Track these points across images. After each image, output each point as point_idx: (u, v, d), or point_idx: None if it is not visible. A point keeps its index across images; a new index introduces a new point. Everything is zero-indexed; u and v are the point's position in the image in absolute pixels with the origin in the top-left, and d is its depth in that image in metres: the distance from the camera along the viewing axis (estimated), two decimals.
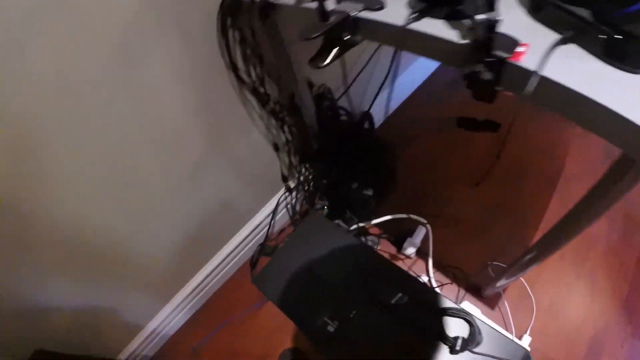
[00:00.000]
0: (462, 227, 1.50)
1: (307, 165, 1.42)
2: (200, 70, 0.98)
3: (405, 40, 0.60)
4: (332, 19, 0.61)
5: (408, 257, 1.45)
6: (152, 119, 0.93)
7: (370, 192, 1.26)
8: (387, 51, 0.89)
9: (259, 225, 1.49)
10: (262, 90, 1.13)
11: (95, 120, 0.82)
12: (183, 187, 1.13)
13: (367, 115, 1.46)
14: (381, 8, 0.64)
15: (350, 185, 1.23)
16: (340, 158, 1.31)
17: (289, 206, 1.53)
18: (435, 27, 0.60)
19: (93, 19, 0.72)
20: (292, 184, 1.49)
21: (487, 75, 0.53)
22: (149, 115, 0.91)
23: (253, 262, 1.52)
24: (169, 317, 1.37)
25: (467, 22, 0.58)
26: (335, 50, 0.62)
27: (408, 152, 1.60)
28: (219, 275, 1.48)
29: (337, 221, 1.37)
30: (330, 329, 0.87)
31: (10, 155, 0.73)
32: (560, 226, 0.78)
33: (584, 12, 0.57)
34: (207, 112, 1.07)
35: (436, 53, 0.61)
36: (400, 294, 0.87)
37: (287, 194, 1.49)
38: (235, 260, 1.50)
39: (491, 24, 0.50)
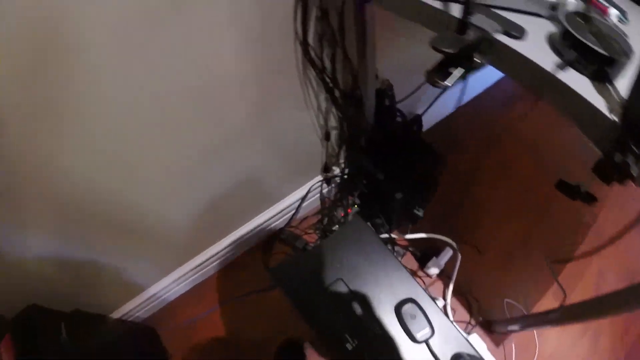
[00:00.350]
0: (488, 256, 1.46)
1: (352, 160, 1.34)
2: (267, 33, 0.89)
3: (545, 89, 0.51)
4: (471, 34, 0.52)
5: (429, 276, 1.40)
6: (200, 68, 0.83)
7: (420, 212, 1.18)
8: None
9: (282, 210, 1.42)
10: (329, 75, 1.03)
11: (138, 53, 0.72)
12: (217, 152, 1.05)
13: (417, 119, 1.37)
14: (521, 37, 0.55)
15: (394, 194, 1.15)
16: (386, 161, 1.22)
17: (320, 196, 1.46)
18: (581, 84, 0.52)
19: None
20: (330, 175, 1.41)
21: (635, 171, 0.44)
22: (197, 62, 0.81)
23: (268, 246, 1.45)
24: (172, 284, 1.32)
25: (615, 92, 0.49)
26: (461, 71, 0.53)
27: (451, 164, 1.52)
28: (230, 253, 1.41)
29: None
30: (349, 346, 0.83)
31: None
32: (593, 306, 0.80)
33: None
34: (263, 79, 0.98)
35: (574, 114, 0.52)
36: (427, 329, 0.83)
37: (321, 183, 1.41)
38: (249, 239, 1.42)
39: None
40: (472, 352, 0.81)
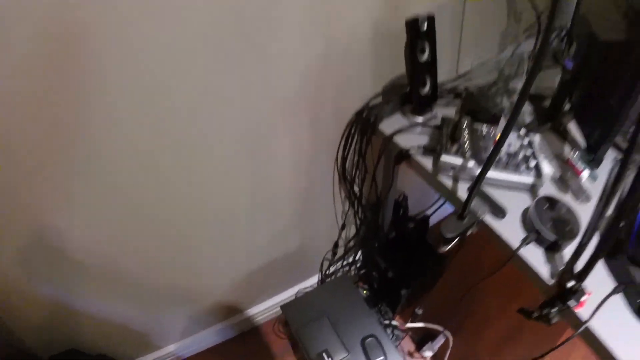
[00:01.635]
0: (479, 345, 1.70)
1: (367, 257, 1.62)
2: (314, 151, 1.24)
3: (510, 260, 0.81)
4: (466, 220, 0.82)
5: (423, 358, 1.63)
6: (266, 181, 1.20)
7: (420, 311, 1.45)
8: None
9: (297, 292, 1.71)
10: (357, 188, 1.36)
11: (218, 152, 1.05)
12: (258, 231, 1.38)
13: (425, 220, 1.66)
14: (503, 217, 0.85)
15: (400, 290, 1.43)
16: (396, 260, 1.50)
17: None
18: (536, 256, 0.83)
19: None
20: (338, 265, 1.69)
21: (556, 318, 0.73)
22: (263, 175, 1.18)
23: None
24: (190, 345, 1.58)
25: (559, 261, 0.79)
26: (456, 241, 0.83)
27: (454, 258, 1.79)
28: (253, 321, 1.68)
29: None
30: None
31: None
32: None
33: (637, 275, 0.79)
34: (307, 184, 1.33)
35: (527, 274, 0.81)
36: (382, 357, 1.07)
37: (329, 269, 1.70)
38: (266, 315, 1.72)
39: (576, 290, 0.70)
40: None
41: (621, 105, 0.86)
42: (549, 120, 1.16)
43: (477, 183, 0.77)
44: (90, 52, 0.72)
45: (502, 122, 1.00)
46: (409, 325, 1.57)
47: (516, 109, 0.65)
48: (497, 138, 0.71)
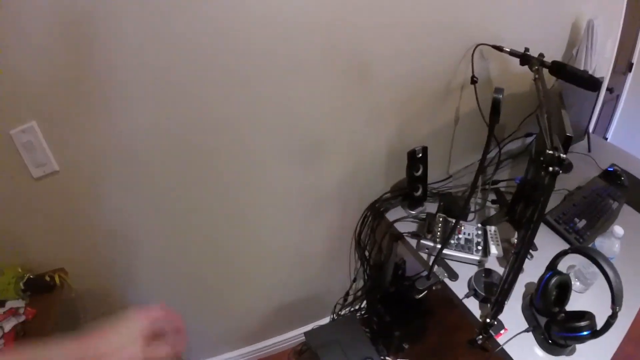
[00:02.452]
0: None
1: (370, 304, 2.16)
2: (340, 227, 1.83)
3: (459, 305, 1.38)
4: (432, 279, 1.39)
5: None
6: (302, 236, 1.77)
7: (406, 345, 1.99)
8: None
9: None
10: (365, 251, 1.93)
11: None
12: (290, 273, 1.92)
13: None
14: (456, 279, 1.43)
15: (394, 332, 1.96)
16: (393, 308, 2.05)
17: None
18: (474, 305, 1.40)
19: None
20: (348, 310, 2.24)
21: (480, 341, 1.27)
22: (298, 236, 1.76)
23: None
24: None
25: (487, 308, 1.35)
26: (425, 292, 1.39)
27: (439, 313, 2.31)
28: (271, 349, 2.20)
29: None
30: None
31: None
32: None
33: (542, 321, 1.32)
34: (330, 246, 1.91)
35: (469, 319, 1.37)
36: None
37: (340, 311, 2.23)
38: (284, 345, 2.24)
39: (493, 324, 1.25)
40: None
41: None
42: (507, 215, 1.75)
43: (437, 256, 1.35)
44: None
45: (471, 218, 1.63)
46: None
47: (463, 210, 1.25)
48: (457, 228, 1.30)
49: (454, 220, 1.58)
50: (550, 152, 0.98)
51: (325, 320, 2.28)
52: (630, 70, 3.28)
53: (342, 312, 2.25)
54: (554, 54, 1.92)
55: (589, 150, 2.22)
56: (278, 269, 1.84)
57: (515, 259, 1.17)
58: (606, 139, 3.41)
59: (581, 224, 1.70)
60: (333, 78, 1.35)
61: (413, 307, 2.12)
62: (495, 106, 1.02)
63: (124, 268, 1.44)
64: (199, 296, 1.73)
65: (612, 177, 2.11)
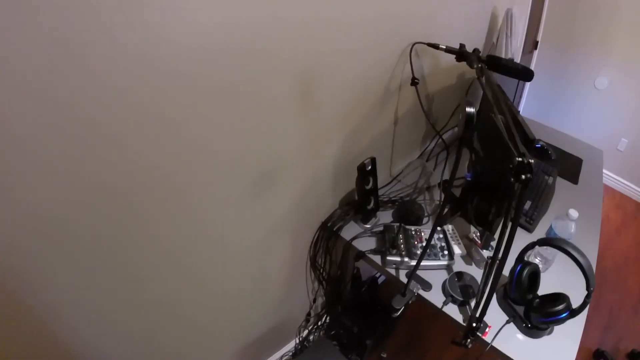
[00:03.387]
0: None
1: (333, 318, 2.10)
2: (293, 255, 1.74)
3: (439, 312, 1.34)
4: (407, 296, 1.34)
5: None
6: (258, 266, 1.62)
7: (385, 355, 1.95)
8: None
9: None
10: (322, 271, 1.87)
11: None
12: (250, 308, 1.79)
13: (374, 280, 2.18)
14: (430, 289, 1.39)
15: (365, 341, 1.91)
16: (356, 316, 2.00)
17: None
18: (453, 311, 1.38)
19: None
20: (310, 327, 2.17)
21: (471, 344, 1.25)
22: (253, 277, 1.66)
23: None
24: None
25: (469, 311, 1.32)
26: (404, 306, 1.34)
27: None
28: None
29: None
30: None
31: None
32: None
33: (520, 310, 1.33)
34: (286, 272, 1.80)
35: (451, 324, 1.34)
36: None
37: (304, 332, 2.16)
38: None
39: (479, 327, 1.23)
40: None
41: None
42: (459, 209, 1.74)
43: (411, 275, 1.31)
44: None
45: (426, 221, 1.60)
46: None
47: (430, 237, 1.20)
48: (424, 241, 1.27)
49: (412, 229, 1.55)
50: (519, 159, 0.95)
51: (291, 344, 2.22)
52: (535, 48, 3.49)
53: (305, 333, 2.17)
54: (475, 44, 1.95)
55: None
56: (235, 316, 1.72)
57: (492, 266, 1.16)
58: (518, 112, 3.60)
59: (527, 205, 1.75)
60: (274, 105, 1.22)
61: (376, 311, 2.09)
62: (469, 120, 0.97)
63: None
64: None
65: (541, 152, 2.18)
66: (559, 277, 1.53)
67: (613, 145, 3.79)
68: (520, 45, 2.56)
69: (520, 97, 3.89)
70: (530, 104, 4.18)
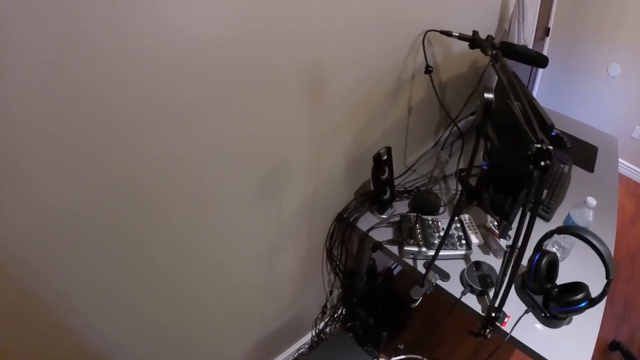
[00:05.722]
0: None
1: (349, 309, 2.11)
2: (308, 249, 1.75)
3: (455, 305, 1.34)
4: (426, 286, 1.34)
5: None
6: (272, 262, 1.63)
7: (401, 346, 1.95)
8: None
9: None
10: (338, 262, 1.88)
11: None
12: (266, 302, 1.81)
13: (389, 272, 2.18)
14: (448, 279, 1.39)
15: (381, 333, 1.92)
16: (372, 308, 2.01)
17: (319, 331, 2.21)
18: (472, 301, 1.40)
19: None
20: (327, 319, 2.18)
21: (489, 335, 1.25)
22: (267, 272, 1.67)
23: None
24: None
25: (487, 300, 1.32)
26: (422, 297, 1.34)
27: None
28: None
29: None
30: None
31: None
32: None
33: (539, 300, 1.34)
34: (301, 267, 1.81)
35: (470, 314, 1.35)
36: None
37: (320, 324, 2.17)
38: None
39: (498, 317, 1.23)
40: None
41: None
42: (475, 198, 1.74)
43: (430, 265, 1.31)
44: None
45: (442, 210, 1.62)
46: (394, 358, 2.06)
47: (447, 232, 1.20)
48: (442, 231, 1.27)
49: (429, 218, 1.55)
50: (538, 145, 0.94)
51: (308, 336, 2.24)
52: (547, 35, 3.45)
53: (322, 325, 2.20)
54: (487, 31, 1.94)
55: None
56: (251, 311, 1.73)
57: (511, 255, 1.15)
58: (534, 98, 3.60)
59: (544, 194, 1.74)
60: (285, 100, 1.23)
61: (392, 302, 2.10)
62: (488, 107, 0.96)
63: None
64: (177, 350, 1.57)
65: (555, 141, 2.17)
66: (577, 266, 1.53)
67: (627, 132, 3.75)
68: (532, 32, 2.54)
69: (533, 84, 3.85)
70: (543, 91, 4.15)
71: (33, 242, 0.87)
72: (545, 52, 3.72)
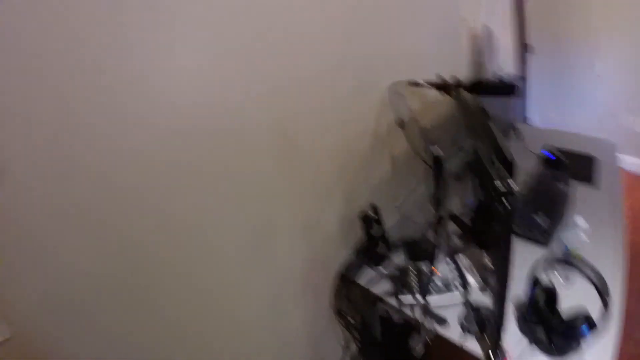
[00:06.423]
0: None
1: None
2: (315, 309, 1.79)
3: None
4: (422, 335, 1.35)
5: None
6: (281, 322, 1.65)
7: None
8: None
9: None
10: (350, 320, 1.89)
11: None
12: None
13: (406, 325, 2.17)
14: (445, 324, 1.41)
15: None
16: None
17: None
18: (472, 342, 1.38)
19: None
20: None
21: None
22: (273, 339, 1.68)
23: None
24: None
25: (486, 341, 1.32)
26: (422, 344, 1.35)
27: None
28: None
29: None
30: None
31: None
32: None
33: (541, 334, 1.33)
34: (309, 334, 1.83)
35: (472, 354, 1.35)
36: None
37: None
38: None
39: (497, 355, 1.23)
40: None
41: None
42: (471, 238, 1.76)
43: (423, 312, 1.33)
44: None
45: (437, 254, 1.65)
46: None
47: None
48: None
49: (424, 265, 1.58)
50: (499, 184, 0.98)
51: None
52: (528, 51, 3.49)
53: None
54: (461, 66, 1.98)
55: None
56: None
57: (495, 291, 1.17)
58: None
59: (541, 219, 1.73)
60: (270, 165, 1.32)
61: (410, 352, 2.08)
62: (437, 160, 1.02)
63: None
64: None
65: (550, 160, 2.16)
66: (585, 287, 1.48)
67: (630, 128, 3.69)
68: (511, 56, 2.59)
69: (525, 102, 3.89)
70: (537, 106, 4.16)
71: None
72: (531, 67, 3.74)
